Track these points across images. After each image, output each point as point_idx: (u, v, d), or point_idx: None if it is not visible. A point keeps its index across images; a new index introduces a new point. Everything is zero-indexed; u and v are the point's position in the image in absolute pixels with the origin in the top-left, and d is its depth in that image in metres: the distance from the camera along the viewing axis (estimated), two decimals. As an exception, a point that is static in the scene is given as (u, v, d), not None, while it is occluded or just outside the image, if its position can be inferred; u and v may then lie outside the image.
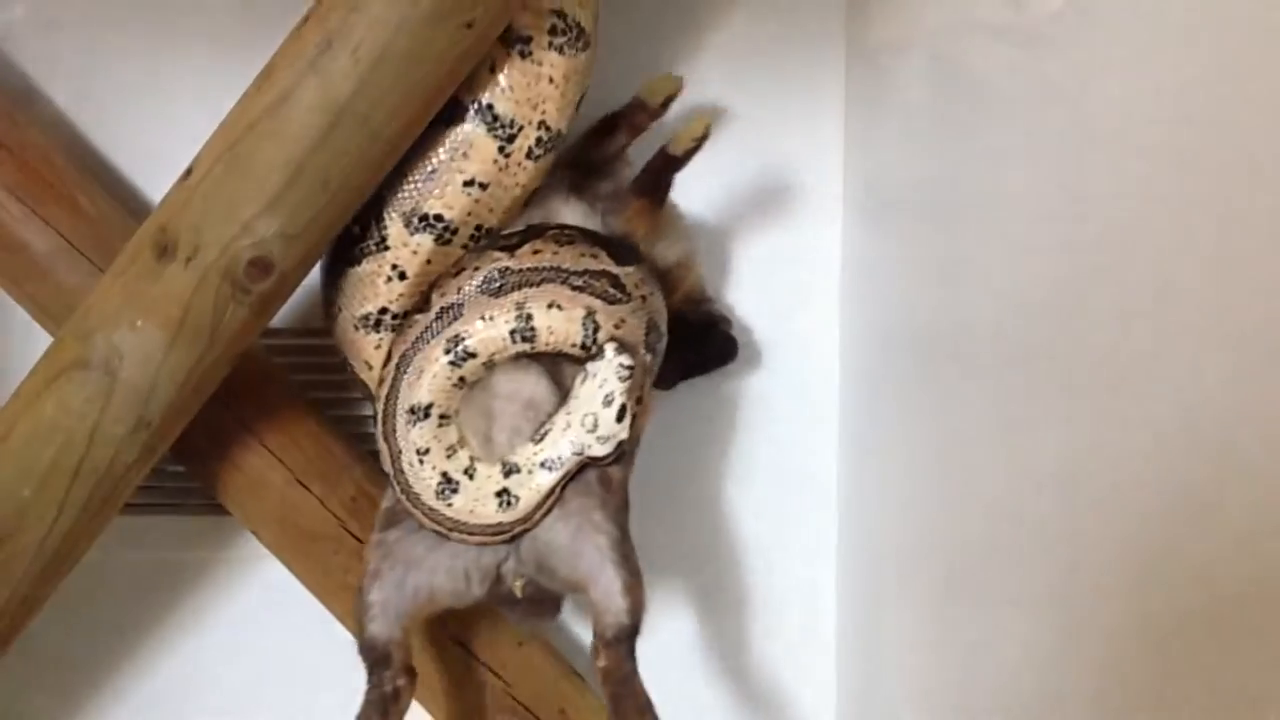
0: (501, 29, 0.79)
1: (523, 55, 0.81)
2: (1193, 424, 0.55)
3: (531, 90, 0.81)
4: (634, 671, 0.83)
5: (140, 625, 1.07)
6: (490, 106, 0.81)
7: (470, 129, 0.81)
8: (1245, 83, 0.50)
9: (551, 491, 0.84)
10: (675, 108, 0.93)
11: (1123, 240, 0.60)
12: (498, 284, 0.83)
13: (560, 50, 0.81)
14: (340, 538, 0.94)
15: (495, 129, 0.81)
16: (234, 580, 1.07)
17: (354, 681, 1.01)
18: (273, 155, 0.75)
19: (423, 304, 0.85)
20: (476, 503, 0.84)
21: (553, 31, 0.81)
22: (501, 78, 0.81)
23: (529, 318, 0.83)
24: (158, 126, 1.00)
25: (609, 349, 0.83)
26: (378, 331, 0.86)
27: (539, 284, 0.83)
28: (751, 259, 1.08)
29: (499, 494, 0.84)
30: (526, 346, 0.83)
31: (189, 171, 0.78)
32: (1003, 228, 0.76)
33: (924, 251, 0.91)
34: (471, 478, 0.84)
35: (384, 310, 0.85)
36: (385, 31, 0.74)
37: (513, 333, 0.83)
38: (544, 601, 0.89)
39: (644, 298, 0.86)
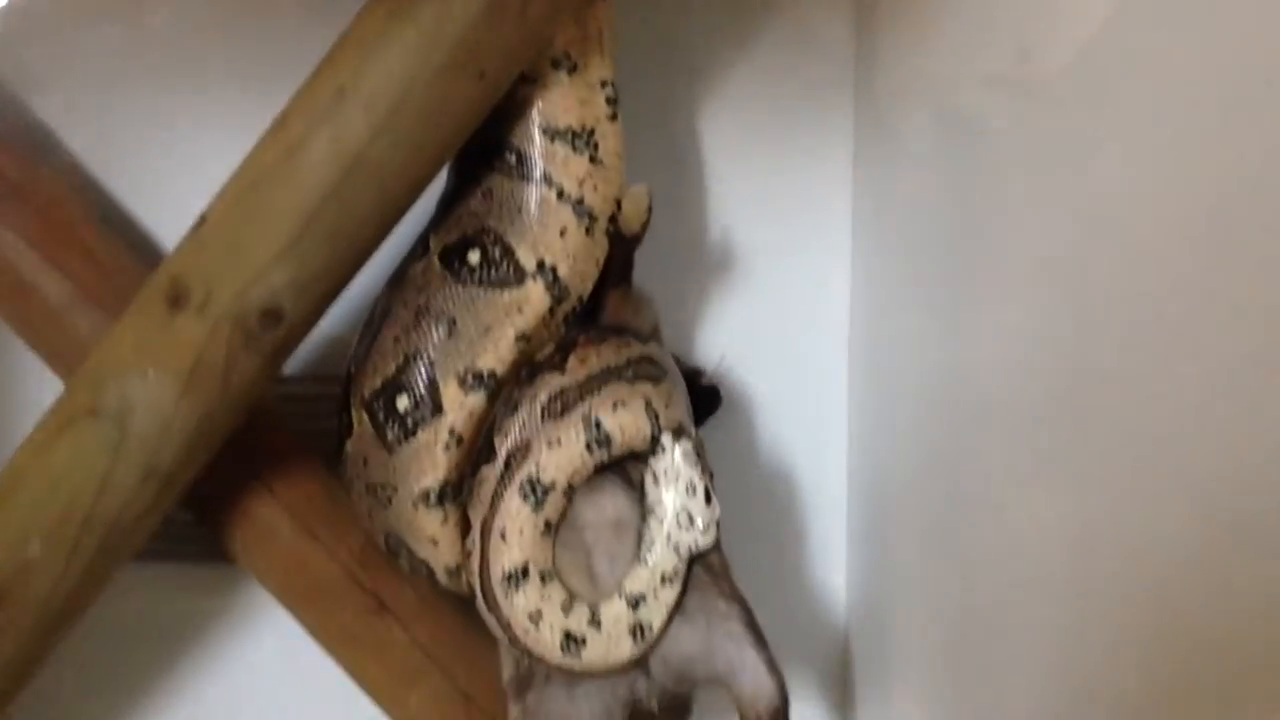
0: (514, 78, 0.80)
1: (588, 232, 0.83)
2: (1210, 488, 0.54)
3: (585, 265, 0.84)
4: None
5: (147, 674, 1.06)
6: (554, 269, 0.82)
7: (530, 286, 0.82)
8: (1262, 139, 0.50)
9: (677, 604, 0.83)
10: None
11: (1131, 298, 0.60)
12: (560, 404, 0.81)
13: (606, 234, 0.84)
14: (348, 588, 0.93)
15: (552, 289, 0.83)
16: (242, 629, 1.06)
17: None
18: (285, 205, 0.76)
19: (482, 457, 0.82)
20: (609, 648, 0.82)
21: (610, 219, 0.84)
22: (569, 245, 0.83)
23: (599, 424, 0.81)
24: (173, 173, 1.00)
25: (666, 441, 0.82)
26: (441, 506, 0.84)
27: (598, 389, 0.82)
28: (758, 313, 1.08)
29: (633, 630, 0.82)
30: (604, 454, 0.81)
31: (202, 219, 0.78)
32: (1011, 282, 0.76)
33: (932, 306, 0.91)
34: (599, 627, 0.82)
35: (445, 484, 0.83)
36: (398, 83, 0.75)
37: (588, 445, 0.81)
38: (679, 708, 0.88)
39: (670, 369, 0.87)
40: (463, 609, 0.94)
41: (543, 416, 0.81)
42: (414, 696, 0.94)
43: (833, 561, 1.11)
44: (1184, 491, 0.56)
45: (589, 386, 0.82)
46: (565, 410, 0.81)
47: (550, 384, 0.82)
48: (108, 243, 0.96)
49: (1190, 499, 0.56)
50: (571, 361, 0.83)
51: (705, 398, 1.00)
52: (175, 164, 1.01)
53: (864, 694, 1.07)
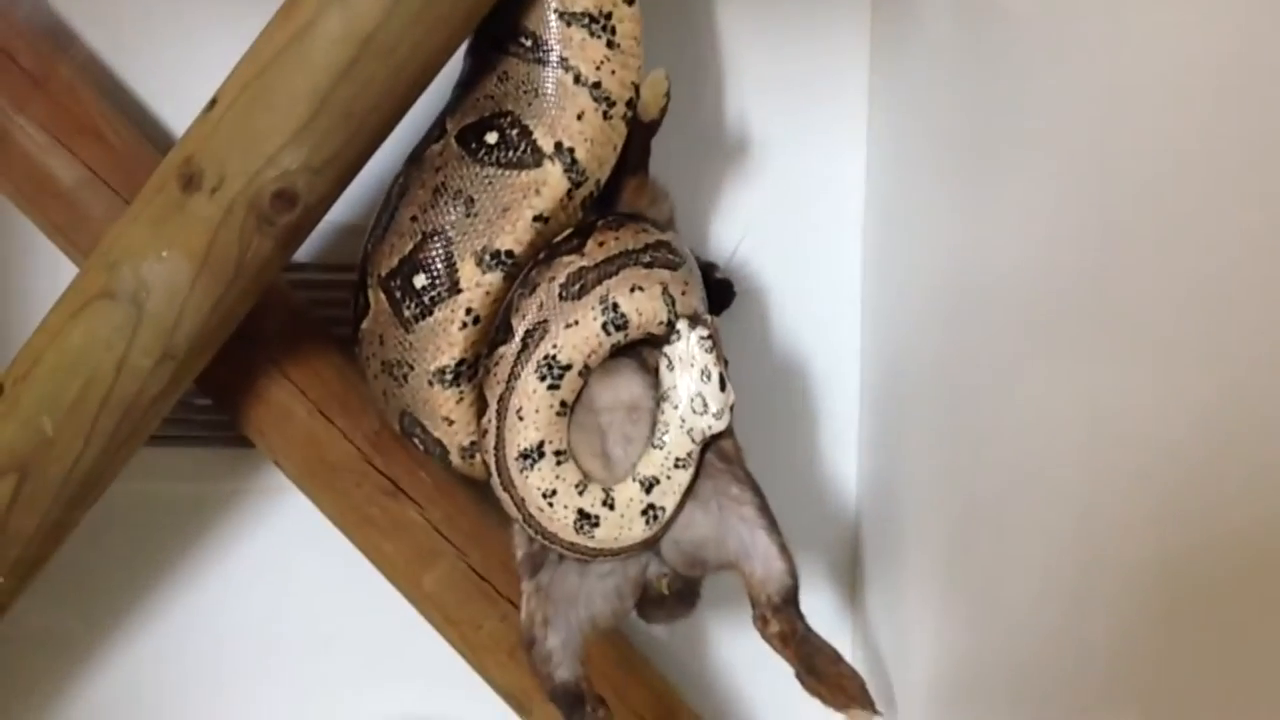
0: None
1: (605, 117, 0.83)
2: (1220, 365, 0.54)
3: (603, 150, 0.84)
4: (809, 627, 0.84)
5: (165, 556, 1.08)
6: (571, 150, 0.82)
7: (549, 168, 0.82)
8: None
9: (689, 488, 0.84)
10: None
11: (1156, 184, 0.60)
12: (578, 285, 0.81)
13: (625, 120, 0.84)
14: (363, 470, 0.95)
15: (570, 172, 0.82)
16: (258, 512, 1.08)
17: (374, 613, 1.03)
18: (297, 87, 0.75)
19: (499, 337, 0.82)
20: (622, 529, 0.83)
21: (628, 104, 0.84)
22: (587, 128, 0.82)
23: (615, 306, 0.81)
24: (181, 58, 1.00)
25: (682, 327, 0.83)
26: (457, 385, 0.85)
27: (616, 272, 0.82)
28: (772, 201, 1.07)
29: (645, 511, 0.83)
30: (620, 336, 0.82)
31: (213, 103, 0.78)
32: (1034, 172, 0.75)
33: (949, 193, 0.90)
34: (613, 507, 0.83)
35: (461, 362, 0.84)
36: (409, -38, 0.74)
37: (604, 326, 0.81)
38: (688, 592, 0.89)
39: (687, 257, 0.86)
40: (476, 492, 0.96)
41: (560, 297, 0.81)
42: (429, 576, 0.96)
43: (844, 450, 1.12)
44: (1200, 373, 0.56)
45: (607, 269, 0.82)
46: (583, 291, 0.81)
47: (568, 265, 0.82)
48: (121, 129, 0.96)
49: (1206, 381, 0.56)
50: (590, 244, 0.83)
51: (719, 291, 1.00)
52: (186, 51, 1.00)
53: (873, 580, 1.08)
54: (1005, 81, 0.79)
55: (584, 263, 0.82)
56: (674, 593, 0.88)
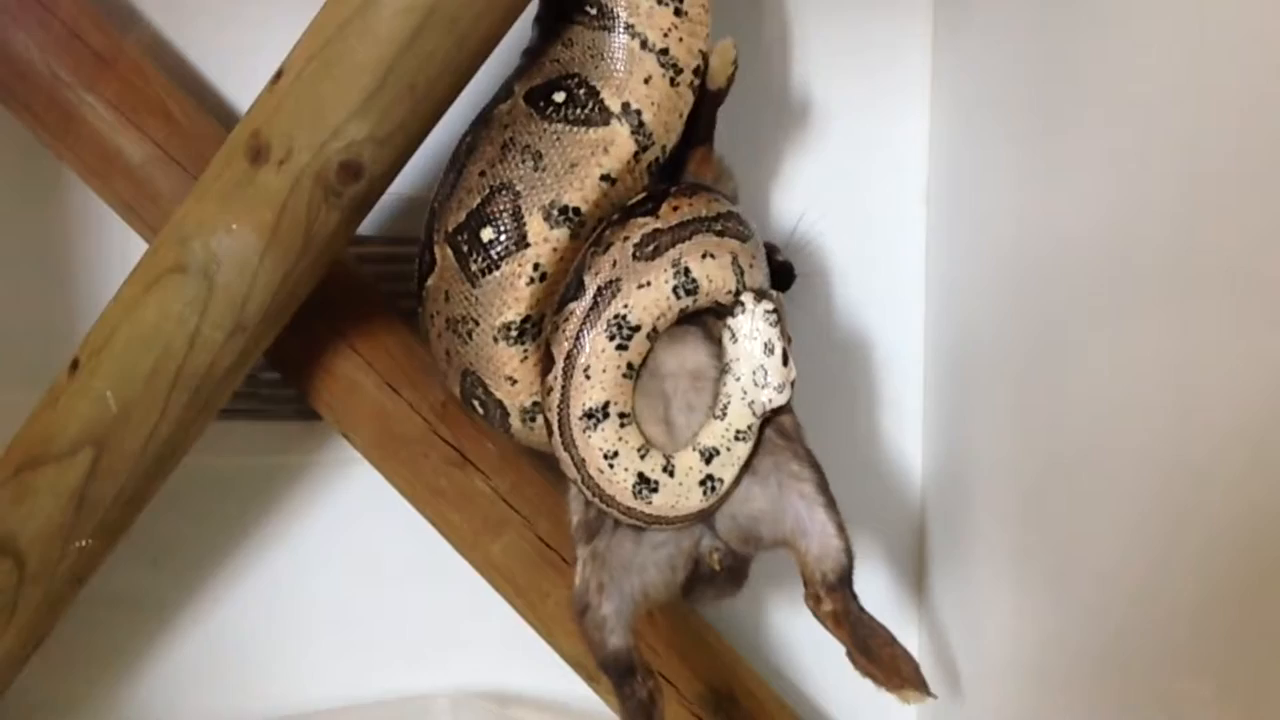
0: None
1: (672, 83, 0.83)
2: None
3: (670, 115, 0.84)
4: (862, 607, 0.84)
5: (237, 528, 1.10)
6: (639, 113, 0.82)
7: (616, 127, 0.82)
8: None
9: (747, 461, 0.84)
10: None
11: (1246, 145, 0.58)
12: (652, 246, 0.81)
13: (691, 88, 0.84)
14: (431, 441, 0.95)
15: (638, 134, 0.83)
16: (327, 484, 1.09)
17: (440, 582, 1.04)
18: (362, 58, 0.75)
19: (569, 293, 0.82)
20: (679, 497, 0.83)
21: (695, 72, 0.84)
22: (654, 93, 0.83)
23: (687, 271, 0.81)
24: (246, 35, 1.00)
25: (748, 300, 0.83)
26: (521, 342, 0.85)
27: (690, 237, 0.82)
28: (834, 171, 1.07)
29: (703, 482, 0.83)
30: (690, 301, 0.82)
31: (279, 74, 0.78)
32: (1106, 135, 0.73)
33: (1017, 161, 0.89)
34: (672, 474, 0.83)
35: (526, 319, 0.84)
36: (472, -68, 0.74)
37: (675, 289, 0.81)
38: (738, 571, 0.89)
39: (754, 232, 0.86)
40: (541, 463, 0.96)
41: (634, 256, 0.81)
42: (497, 546, 0.97)
43: (909, 427, 1.11)
44: None
45: (680, 233, 0.82)
46: (656, 253, 0.81)
47: (643, 226, 0.82)
48: (187, 107, 0.97)
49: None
50: (664, 208, 0.83)
51: (780, 273, 1.00)
52: (250, 27, 1.01)
53: (939, 561, 1.07)
54: (1074, 42, 0.78)
55: (658, 224, 0.82)
56: (724, 569, 0.87)
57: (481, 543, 0.97)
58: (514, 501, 0.96)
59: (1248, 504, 0.59)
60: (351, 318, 0.95)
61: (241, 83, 1.01)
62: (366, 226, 0.88)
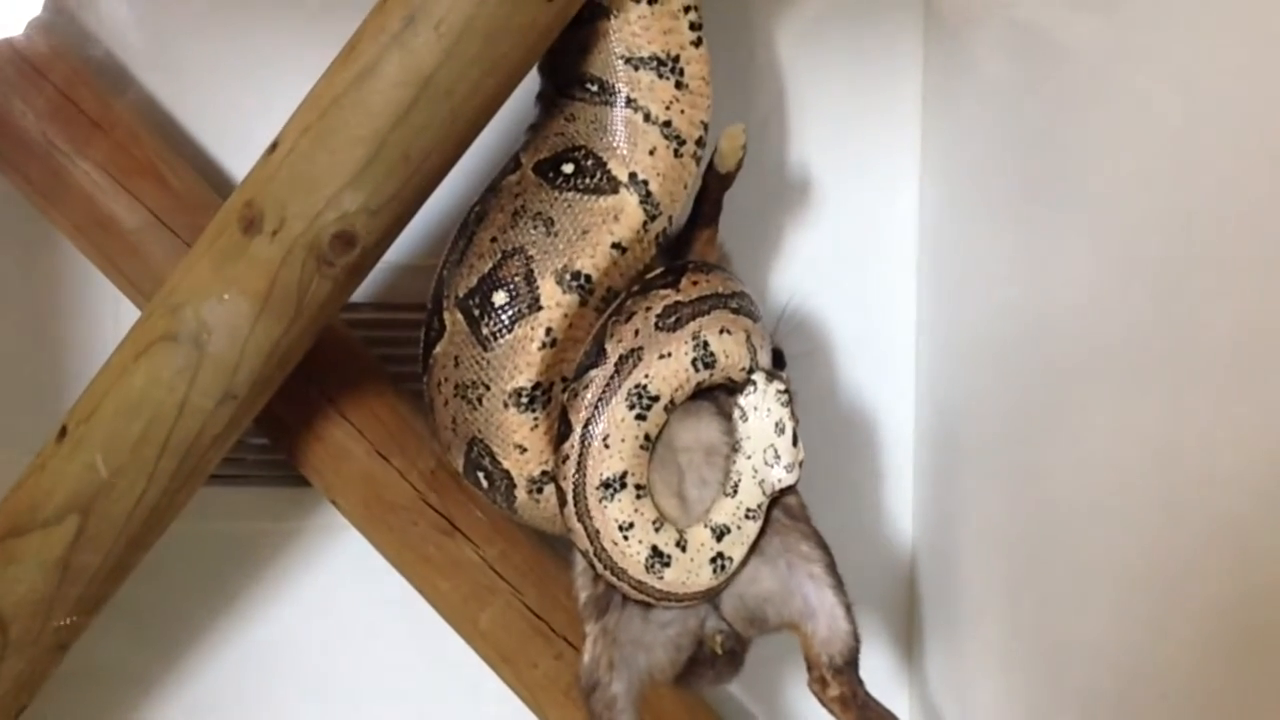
0: (582, 2, 0.79)
1: (676, 154, 0.85)
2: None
3: (675, 186, 0.85)
4: (868, 691, 0.84)
5: (224, 594, 1.09)
6: (646, 183, 0.84)
7: (625, 195, 0.84)
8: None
9: (756, 541, 0.84)
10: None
11: (1230, 222, 0.59)
12: (673, 318, 0.82)
13: (695, 159, 0.86)
14: (420, 509, 0.95)
15: (645, 203, 0.84)
16: (315, 550, 1.09)
17: (428, 649, 1.03)
18: (356, 130, 0.76)
19: (589, 360, 0.82)
20: (690, 573, 0.83)
21: (698, 143, 0.86)
22: (659, 164, 0.84)
23: (706, 344, 0.82)
24: (241, 103, 1.01)
25: (759, 379, 0.84)
26: (532, 410, 0.84)
27: (709, 311, 0.83)
28: (826, 245, 1.08)
29: (714, 559, 0.83)
30: (707, 375, 0.83)
31: (274, 146, 0.79)
32: (1094, 209, 0.74)
33: (1006, 231, 0.90)
34: (684, 549, 0.83)
35: (537, 385, 0.84)
36: (467, 6, 0.74)
37: (694, 361, 0.82)
38: (736, 655, 0.88)
39: (762, 315, 0.87)
40: (532, 533, 0.96)
41: (656, 326, 0.82)
42: (485, 615, 0.96)
43: (899, 500, 1.11)
44: (1275, 408, 0.55)
45: (700, 307, 0.83)
46: (678, 325, 0.82)
47: (665, 298, 0.83)
48: (181, 172, 0.97)
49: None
50: (684, 282, 0.84)
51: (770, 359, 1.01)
52: (245, 96, 1.02)
53: (930, 634, 1.07)
54: (1061, 119, 0.79)
55: (679, 297, 0.83)
56: (724, 653, 0.87)
57: (469, 611, 0.96)
58: (502, 570, 0.96)
59: (1239, 580, 0.59)
60: (342, 384, 0.95)
61: (236, 148, 1.01)
62: (358, 293, 0.88)
